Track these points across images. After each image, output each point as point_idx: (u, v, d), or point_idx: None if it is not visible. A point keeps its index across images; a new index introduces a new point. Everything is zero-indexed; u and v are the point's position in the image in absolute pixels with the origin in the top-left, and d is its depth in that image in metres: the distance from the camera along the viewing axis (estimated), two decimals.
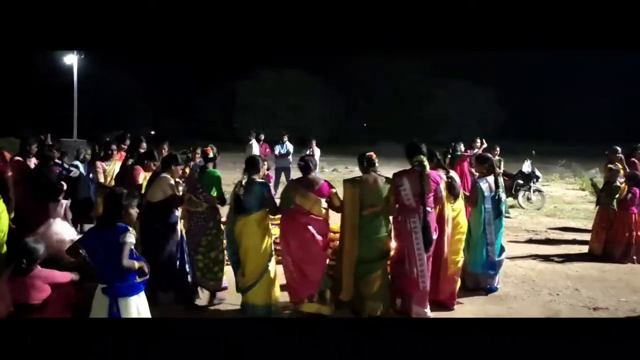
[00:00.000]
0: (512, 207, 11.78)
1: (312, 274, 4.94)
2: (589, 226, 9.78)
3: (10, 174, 5.25)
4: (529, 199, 12.26)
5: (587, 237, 8.81)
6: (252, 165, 5.14)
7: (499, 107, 45.92)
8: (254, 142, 13.24)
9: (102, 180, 6.86)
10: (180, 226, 5.37)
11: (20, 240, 4.27)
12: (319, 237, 4.94)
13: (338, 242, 5.38)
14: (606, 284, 6.51)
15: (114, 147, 6.76)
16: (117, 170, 6.64)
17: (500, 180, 5.99)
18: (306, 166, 5.07)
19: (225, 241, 5.38)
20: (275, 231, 5.54)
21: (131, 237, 3.58)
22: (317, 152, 13.42)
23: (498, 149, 11.09)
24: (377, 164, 5.23)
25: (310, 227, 4.90)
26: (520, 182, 12.24)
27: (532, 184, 12.29)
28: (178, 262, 5.30)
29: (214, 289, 5.36)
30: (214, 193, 5.29)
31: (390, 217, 5.18)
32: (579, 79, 44.36)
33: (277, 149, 13.36)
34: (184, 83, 45.70)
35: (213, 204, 5.30)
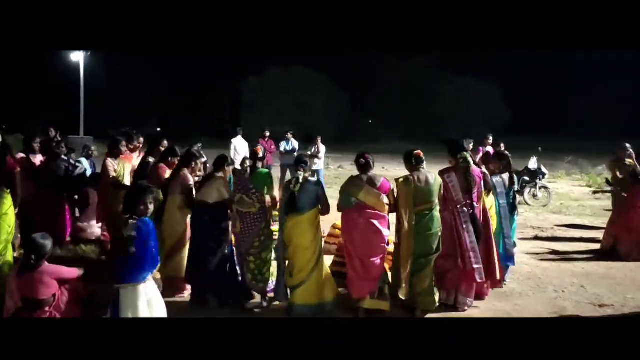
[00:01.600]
0: (518, 203, 11.74)
1: (376, 269, 4.96)
2: (596, 223, 9.73)
3: (18, 170, 5.28)
4: (535, 195, 12.22)
5: (593, 234, 8.78)
6: (302, 163, 5.16)
7: (504, 104, 45.78)
8: (239, 137, 13.36)
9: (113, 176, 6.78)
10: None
11: (27, 236, 4.29)
12: (383, 232, 4.97)
13: (342, 239, 5.41)
14: (612, 281, 6.49)
15: (123, 144, 6.70)
16: (126, 168, 6.61)
17: (515, 177, 6.10)
18: (367, 164, 5.06)
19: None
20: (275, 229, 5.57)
21: (132, 230, 3.63)
22: (322, 149, 13.40)
23: (502, 145, 11.07)
24: (424, 161, 5.28)
25: (374, 222, 4.92)
26: (526, 178, 12.20)
27: (538, 180, 12.25)
28: (229, 265, 5.27)
29: (262, 290, 5.29)
30: (265, 193, 5.26)
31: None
32: (586, 75, 44.12)
33: (282, 146, 13.36)
34: (191, 80, 45.89)
35: (267, 204, 5.23)
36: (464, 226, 5.18)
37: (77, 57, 33.11)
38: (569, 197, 13.96)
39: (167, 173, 5.85)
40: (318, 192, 5.07)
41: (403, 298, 5.06)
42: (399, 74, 46.37)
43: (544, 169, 12.46)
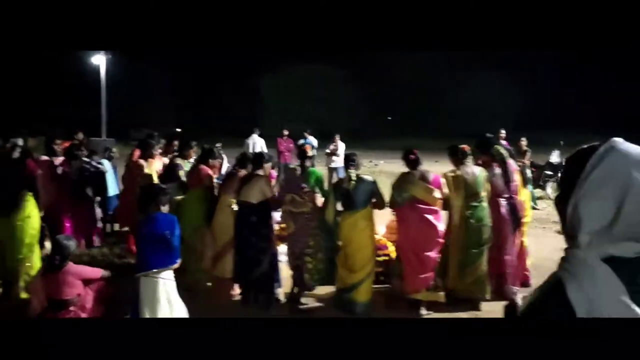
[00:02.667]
0: (540, 198, 11.59)
1: (431, 263, 5.04)
2: None
3: (39, 172, 5.38)
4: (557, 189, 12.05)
5: None
6: (351, 161, 5.16)
7: (525, 97, 45.18)
8: (255, 136, 13.48)
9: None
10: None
11: (52, 237, 4.38)
12: (438, 226, 5.02)
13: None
14: None
15: (156, 147, 6.63)
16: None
17: (528, 171, 6.06)
18: (417, 159, 5.12)
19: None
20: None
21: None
22: (341, 146, 13.39)
23: (525, 139, 10.92)
24: (470, 155, 5.40)
25: (428, 217, 4.99)
26: (549, 173, 12.03)
27: (560, 174, 12.07)
28: (272, 265, 5.26)
29: (312, 289, 5.31)
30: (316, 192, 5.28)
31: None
32: (605, 67, 43.30)
33: (301, 144, 13.39)
34: (209, 80, 46.21)
35: (319, 203, 5.23)
36: (506, 217, 5.35)
37: (98, 60, 33.63)
38: None
39: (206, 173, 5.79)
40: (373, 189, 5.07)
41: (450, 288, 5.15)
42: (418, 70, 46.08)
43: None
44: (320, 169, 5.73)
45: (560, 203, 1.21)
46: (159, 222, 3.98)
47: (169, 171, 6.17)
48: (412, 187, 5.02)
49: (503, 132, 10.71)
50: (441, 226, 5.08)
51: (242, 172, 5.51)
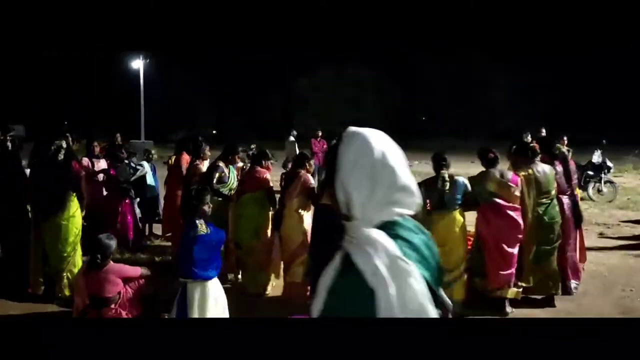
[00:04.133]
0: (581, 199, 11.24)
1: (514, 259, 5.12)
2: None
3: (83, 174, 5.56)
4: (599, 190, 11.69)
5: None
6: (442, 160, 5.17)
7: (567, 96, 43.99)
8: (292, 139, 13.64)
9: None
10: None
11: (93, 237, 4.51)
12: (519, 223, 5.09)
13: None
14: None
15: (206, 147, 6.64)
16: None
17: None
18: (496, 158, 5.22)
19: None
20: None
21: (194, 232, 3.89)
22: None
23: (565, 138, 10.63)
24: (539, 154, 5.48)
25: (510, 214, 5.07)
26: (590, 173, 11.70)
27: (602, 175, 11.71)
28: None
29: None
30: None
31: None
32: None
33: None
34: (244, 83, 46.71)
35: None
36: (567, 214, 5.54)
37: (137, 64, 34.48)
38: (637, 191, 13.26)
39: (264, 175, 5.77)
40: (465, 189, 5.12)
41: (526, 285, 5.23)
42: (451, 68, 45.46)
43: (609, 163, 11.90)
44: None
45: (329, 187, 1.42)
46: (208, 227, 4.01)
47: (209, 173, 6.02)
48: (493, 184, 5.10)
49: (543, 131, 10.45)
50: (522, 223, 5.13)
51: (304, 174, 5.52)
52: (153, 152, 9.71)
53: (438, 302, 1.37)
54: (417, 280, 1.28)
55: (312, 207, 5.49)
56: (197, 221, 3.97)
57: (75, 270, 5.19)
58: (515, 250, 5.11)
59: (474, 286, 5.26)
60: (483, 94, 45.42)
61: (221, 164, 5.99)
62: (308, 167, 5.67)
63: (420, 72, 45.98)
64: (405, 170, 1.41)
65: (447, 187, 4.99)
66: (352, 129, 1.49)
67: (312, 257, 5.26)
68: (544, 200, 5.27)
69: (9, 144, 5.87)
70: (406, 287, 1.28)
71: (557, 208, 5.36)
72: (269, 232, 5.71)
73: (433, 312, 1.30)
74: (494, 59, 44.26)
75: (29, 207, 5.66)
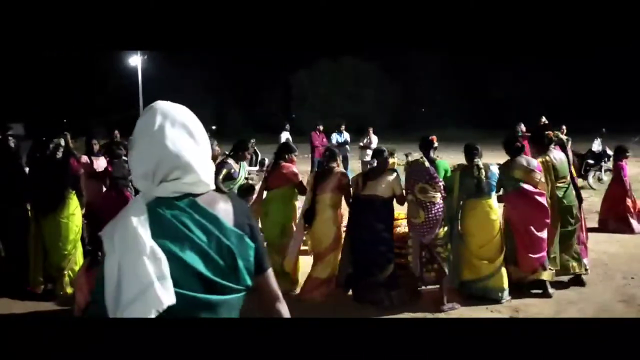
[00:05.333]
0: (581, 188, 11.20)
1: (544, 242, 5.31)
2: None
3: (82, 172, 5.56)
4: (599, 179, 11.69)
5: None
6: (474, 150, 5.29)
7: (564, 85, 43.90)
8: (286, 133, 13.85)
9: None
10: None
11: (94, 234, 4.51)
12: (546, 207, 5.29)
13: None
14: None
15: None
16: None
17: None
18: (523, 147, 5.52)
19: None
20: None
21: None
22: (374, 140, 13.34)
23: (564, 127, 10.62)
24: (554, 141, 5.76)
25: (538, 199, 5.27)
26: (590, 161, 11.69)
27: (603, 163, 11.71)
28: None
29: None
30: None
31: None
32: None
33: (335, 138, 13.36)
34: (243, 78, 46.61)
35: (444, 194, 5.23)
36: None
37: (135, 61, 34.41)
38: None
39: (291, 170, 5.69)
40: (498, 177, 5.29)
41: (553, 269, 5.39)
42: (450, 60, 45.27)
43: (609, 151, 11.88)
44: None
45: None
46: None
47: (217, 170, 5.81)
48: (520, 172, 5.31)
49: (543, 120, 10.44)
50: (548, 207, 5.32)
51: (337, 168, 5.47)
52: None
53: (216, 287, 1.36)
54: (150, 258, 1.28)
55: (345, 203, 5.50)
56: None
57: (77, 268, 5.20)
58: (545, 235, 5.30)
59: (509, 275, 5.35)
60: (484, 84, 45.29)
61: (230, 160, 5.91)
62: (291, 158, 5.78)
63: (418, 64, 45.74)
64: (194, 149, 1.41)
65: (483, 175, 5.14)
66: (159, 101, 1.50)
67: (353, 251, 5.24)
68: (561, 185, 5.56)
69: (11, 143, 5.87)
70: (130, 262, 1.28)
71: (573, 192, 5.64)
72: (294, 227, 5.60)
73: (160, 292, 1.27)
74: (493, 51, 44.09)
75: (28, 206, 5.67)
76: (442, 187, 5.09)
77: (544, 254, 5.29)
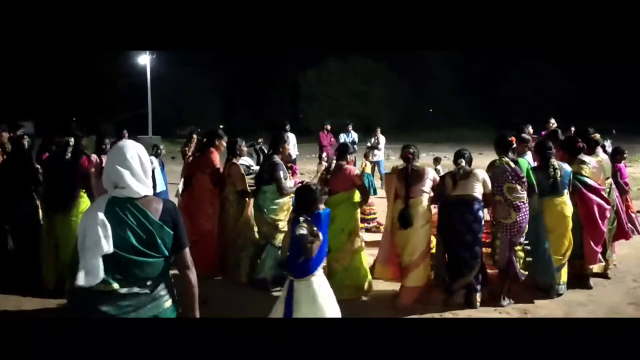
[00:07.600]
0: None
1: (605, 235, 5.68)
2: None
3: (92, 170, 5.58)
4: None
5: None
6: (548, 149, 5.46)
7: (575, 84, 43.59)
8: (289, 133, 13.69)
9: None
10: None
11: None
12: (609, 201, 5.72)
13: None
14: None
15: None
16: None
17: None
18: (583, 147, 5.78)
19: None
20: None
21: (301, 230, 3.56)
22: (382, 140, 13.33)
23: (573, 129, 10.52)
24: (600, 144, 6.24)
25: (603, 194, 5.64)
26: None
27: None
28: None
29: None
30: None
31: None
32: None
33: (342, 138, 13.35)
34: (250, 77, 46.62)
35: (530, 192, 5.22)
36: None
37: (144, 60, 34.52)
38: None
39: (355, 172, 5.49)
40: (571, 175, 5.46)
41: (602, 262, 5.77)
42: (458, 59, 45.08)
43: None
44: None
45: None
46: (322, 221, 3.68)
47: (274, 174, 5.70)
48: (586, 169, 5.63)
49: (552, 122, 10.36)
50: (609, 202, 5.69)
51: (429, 169, 5.40)
52: (161, 147, 9.73)
53: (142, 253, 2.30)
54: (102, 226, 2.23)
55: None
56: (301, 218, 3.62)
57: None
58: (606, 228, 5.69)
59: (572, 268, 5.50)
60: (491, 85, 45.07)
61: (277, 159, 5.77)
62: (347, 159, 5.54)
63: (426, 63, 45.54)
64: (130, 173, 2.38)
65: (557, 175, 5.30)
66: (121, 142, 2.51)
67: (449, 251, 5.18)
68: (606, 185, 5.92)
69: (25, 142, 5.92)
70: (90, 227, 2.24)
71: (612, 193, 6.07)
72: (358, 231, 5.44)
73: (104, 244, 2.21)
74: (501, 50, 43.85)
75: (38, 202, 5.72)
76: (527, 186, 5.13)
77: (601, 247, 5.64)
